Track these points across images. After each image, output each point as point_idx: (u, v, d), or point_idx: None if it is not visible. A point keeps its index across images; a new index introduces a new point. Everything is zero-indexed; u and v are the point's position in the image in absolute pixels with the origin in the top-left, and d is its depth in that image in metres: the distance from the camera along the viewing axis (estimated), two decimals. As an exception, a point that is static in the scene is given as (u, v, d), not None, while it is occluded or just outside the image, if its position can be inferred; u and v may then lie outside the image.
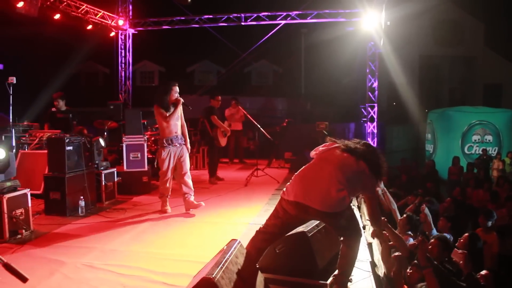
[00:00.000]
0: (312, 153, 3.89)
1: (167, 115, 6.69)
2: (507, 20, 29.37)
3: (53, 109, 9.28)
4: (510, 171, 14.94)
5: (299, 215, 3.61)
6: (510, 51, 28.66)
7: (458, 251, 4.53)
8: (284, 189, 3.72)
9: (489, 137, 16.44)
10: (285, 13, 14.55)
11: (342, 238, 3.64)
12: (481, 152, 15.60)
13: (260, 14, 14.68)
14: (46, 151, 7.15)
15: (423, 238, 4.18)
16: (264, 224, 3.84)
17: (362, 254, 4.69)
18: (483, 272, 4.25)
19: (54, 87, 17.65)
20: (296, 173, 3.77)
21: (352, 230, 3.62)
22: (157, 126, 10.96)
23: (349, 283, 3.70)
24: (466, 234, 5.29)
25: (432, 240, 4.67)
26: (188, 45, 24.85)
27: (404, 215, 6.16)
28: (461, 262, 4.39)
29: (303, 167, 3.78)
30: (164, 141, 6.76)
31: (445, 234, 5.37)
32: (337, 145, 3.77)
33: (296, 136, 14.19)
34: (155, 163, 8.19)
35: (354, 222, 3.68)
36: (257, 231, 3.85)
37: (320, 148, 3.83)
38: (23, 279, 2.32)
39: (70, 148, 6.79)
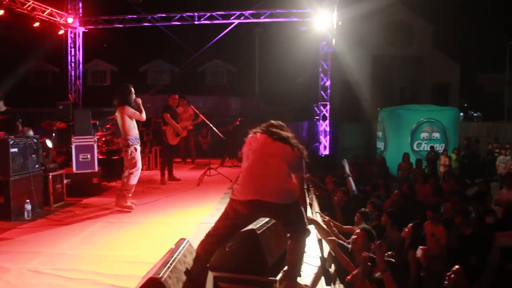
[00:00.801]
0: (245, 150, 3.97)
1: (138, 114, 7.15)
2: (454, 22, 30.57)
3: None
4: (456, 167, 15.55)
5: (251, 214, 3.67)
6: (457, 51, 29.85)
7: (419, 248, 4.66)
8: (233, 190, 3.75)
9: (436, 134, 17.02)
10: (238, 13, 14.58)
11: (289, 234, 3.71)
12: (429, 149, 16.13)
13: (214, 13, 14.65)
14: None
15: (380, 242, 4.28)
16: (214, 226, 3.84)
17: (312, 249, 4.77)
18: (455, 267, 4.39)
19: (0, 87, 17.00)
20: (242, 173, 3.81)
21: (300, 225, 3.69)
22: (108, 126, 10.84)
23: (298, 278, 3.75)
24: (410, 224, 5.53)
25: (358, 231, 4.78)
26: (141, 44, 24.50)
27: (358, 213, 6.31)
28: (419, 256, 4.54)
29: (247, 165, 3.84)
30: (134, 139, 7.08)
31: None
32: (266, 135, 3.88)
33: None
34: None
35: (301, 218, 3.74)
36: (206, 234, 3.83)
37: (252, 143, 3.92)
38: None
39: (15, 150, 6.55)
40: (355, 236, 4.65)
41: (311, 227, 5.49)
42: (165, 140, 9.62)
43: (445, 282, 4.39)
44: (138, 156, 7.13)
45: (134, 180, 7.18)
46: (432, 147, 16.12)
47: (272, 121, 4.08)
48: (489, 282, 4.85)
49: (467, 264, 4.46)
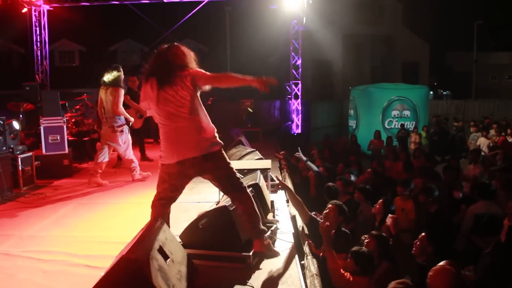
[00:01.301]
0: (145, 106, 3.95)
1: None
2: (424, 1, 30.84)
3: None
4: (426, 144, 15.87)
5: (183, 172, 3.75)
6: (426, 31, 30.20)
7: (389, 216, 4.79)
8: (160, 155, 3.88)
9: (407, 112, 17.28)
10: (208, -10, 14.36)
11: (232, 201, 3.85)
12: (399, 127, 16.39)
13: (183, -9, 14.40)
14: (-47, 136, 6.70)
15: (323, 223, 4.36)
16: (156, 192, 3.92)
17: (285, 225, 4.84)
18: (421, 235, 4.57)
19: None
20: (161, 139, 3.88)
21: (236, 187, 3.78)
22: (77, 107, 10.65)
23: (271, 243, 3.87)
24: (380, 200, 5.66)
25: (329, 205, 4.87)
26: (110, 23, 23.97)
27: (324, 188, 6.40)
28: (389, 224, 4.65)
29: (162, 130, 3.85)
30: (124, 119, 7.46)
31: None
32: (148, 83, 3.84)
33: (221, 114, 14.17)
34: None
35: (234, 181, 3.81)
36: (152, 201, 3.92)
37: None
38: None
39: (-20, 132, 6.40)
40: (327, 211, 4.73)
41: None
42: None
43: (413, 249, 4.57)
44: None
45: (131, 154, 7.70)
46: (402, 125, 16.38)
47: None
48: (463, 247, 5.08)
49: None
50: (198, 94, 3.85)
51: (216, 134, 3.84)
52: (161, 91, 3.74)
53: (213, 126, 3.86)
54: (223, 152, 3.86)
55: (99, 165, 7.41)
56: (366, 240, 4.47)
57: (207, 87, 3.84)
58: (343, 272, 3.98)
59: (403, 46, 29.72)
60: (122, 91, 7.32)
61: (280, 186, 5.50)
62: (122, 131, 7.41)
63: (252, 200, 3.82)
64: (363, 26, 28.29)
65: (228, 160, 3.85)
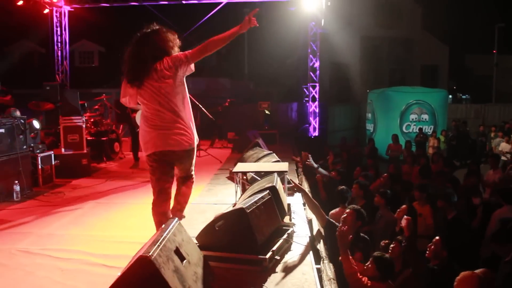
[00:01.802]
0: (125, 102, 3.99)
1: None
2: (444, 3, 30.47)
3: None
4: (445, 148, 15.69)
5: (168, 159, 3.94)
6: (445, 33, 29.83)
7: (404, 218, 4.75)
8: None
9: (425, 116, 17.11)
10: (227, -8, 14.41)
11: (185, 180, 4.27)
12: (418, 131, 16.23)
13: (202, -7, 14.46)
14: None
15: (341, 228, 4.34)
16: (156, 185, 4.08)
17: (302, 228, 4.81)
18: (435, 238, 4.52)
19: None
20: (143, 125, 3.94)
21: (191, 171, 4.27)
22: (96, 107, 10.77)
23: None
24: (404, 206, 5.58)
25: (348, 210, 4.84)
26: (128, 24, 24.17)
27: (337, 191, 6.38)
28: (403, 225, 4.61)
29: (144, 116, 3.91)
30: None
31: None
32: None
33: (239, 116, 14.23)
34: None
35: (192, 163, 4.22)
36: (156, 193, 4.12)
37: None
38: None
39: (2, 130, 6.50)
40: (345, 215, 4.70)
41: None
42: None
43: (427, 252, 4.52)
44: None
45: None
46: (421, 129, 16.22)
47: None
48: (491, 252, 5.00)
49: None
50: (185, 85, 3.97)
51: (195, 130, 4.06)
52: (140, 86, 3.80)
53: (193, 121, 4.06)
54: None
55: None
56: (391, 246, 4.44)
57: (193, 64, 3.89)
58: (361, 276, 3.95)
59: (422, 48, 29.40)
60: None
61: (296, 189, 5.48)
62: None
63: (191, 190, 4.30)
64: (381, 29, 28.07)
65: (194, 156, 4.19)
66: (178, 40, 4.02)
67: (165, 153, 3.88)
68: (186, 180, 4.29)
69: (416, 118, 17.11)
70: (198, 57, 3.88)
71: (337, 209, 6.27)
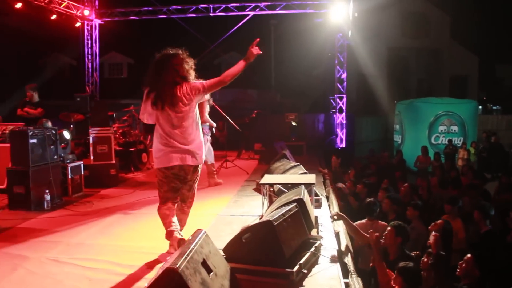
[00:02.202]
0: (142, 118, 4.41)
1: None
2: (472, 13, 30.01)
3: (26, 99, 9.21)
4: (475, 160, 15.35)
5: (175, 175, 4.35)
6: (475, 43, 29.32)
7: (432, 234, 4.66)
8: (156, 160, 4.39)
9: (454, 128, 16.82)
10: (254, 4, 14.52)
11: (185, 204, 4.61)
12: (447, 142, 15.94)
13: (229, 5, 14.60)
14: (9, 145, 6.97)
15: (376, 236, 4.30)
16: (163, 195, 4.46)
17: (330, 242, 4.75)
18: (466, 256, 4.41)
19: (18, 79, 17.21)
20: (156, 141, 4.35)
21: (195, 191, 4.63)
22: (125, 118, 10.92)
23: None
24: (441, 221, 5.44)
25: (388, 228, 4.79)
26: (157, 36, 24.51)
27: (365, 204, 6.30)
28: (431, 242, 4.52)
29: (158, 133, 4.32)
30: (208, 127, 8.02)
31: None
32: (149, 99, 4.26)
33: (265, 127, 14.22)
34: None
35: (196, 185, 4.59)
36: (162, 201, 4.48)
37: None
38: None
39: (34, 141, 6.64)
40: (386, 232, 4.68)
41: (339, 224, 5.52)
42: None
43: (457, 270, 4.40)
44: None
45: (212, 159, 8.25)
46: (450, 141, 15.93)
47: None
48: None
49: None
50: (196, 108, 4.37)
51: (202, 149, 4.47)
52: (161, 110, 4.21)
53: (202, 140, 4.46)
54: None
55: (212, 165, 8.25)
56: (423, 258, 4.36)
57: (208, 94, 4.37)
58: (394, 285, 3.88)
59: (451, 59, 28.97)
60: (206, 101, 7.68)
61: (336, 217, 5.43)
62: (206, 140, 7.89)
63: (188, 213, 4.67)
64: (408, 39, 27.81)
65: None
66: (193, 61, 4.39)
67: (173, 168, 4.31)
68: (186, 201, 4.64)
69: (445, 130, 16.83)
70: (214, 88, 4.40)
71: (363, 221, 6.19)
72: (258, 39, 4.44)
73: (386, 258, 4.61)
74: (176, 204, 4.56)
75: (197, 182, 4.64)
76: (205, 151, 7.18)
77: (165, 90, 4.17)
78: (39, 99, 9.29)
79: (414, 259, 4.56)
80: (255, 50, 4.38)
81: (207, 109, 7.84)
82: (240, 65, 4.33)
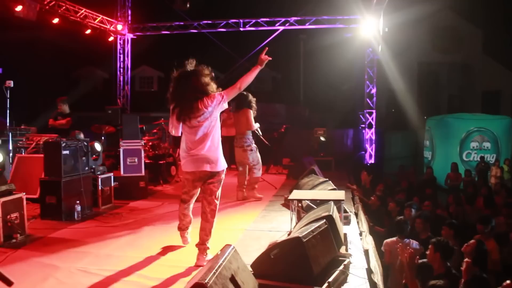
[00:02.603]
0: (170, 130, 4.90)
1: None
2: (505, 27, 29.42)
3: (58, 110, 9.51)
4: (508, 178, 14.93)
5: (195, 178, 4.83)
6: (508, 58, 28.69)
7: (464, 261, 4.57)
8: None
9: (487, 144, 16.42)
10: (283, 19, 14.60)
11: (207, 210, 4.82)
12: (479, 159, 15.58)
13: (259, 20, 14.72)
14: (42, 155, 7.13)
15: (411, 252, 4.24)
16: (182, 196, 5.07)
17: (359, 260, 4.68)
18: (506, 283, 4.27)
19: (53, 91, 17.63)
20: (182, 149, 4.86)
21: (218, 195, 4.90)
22: (155, 131, 11.04)
23: None
24: (473, 240, 5.29)
25: (430, 246, 4.72)
26: (187, 50, 24.85)
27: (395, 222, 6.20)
28: (462, 269, 4.42)
29: (183, 142, 4.82)
30: (252, 138, 8.17)
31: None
32: (174, 113, 4.74)
33: (294, 142, 14.17)
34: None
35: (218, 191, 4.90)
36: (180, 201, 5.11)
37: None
38: (9, 283, 2.29)
39: (67, 152, 6.77)
40: (429, 252, 4.65)
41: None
42: None
43: None
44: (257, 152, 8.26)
45: (259, 173, 8.29)
46: (482, 157, 15.54)
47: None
48: None
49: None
50: (218, 118, 4.79)
51: (225, 165, 4.94)
52: (185, 122, 4.67)
53: (223, 158, 4.90)
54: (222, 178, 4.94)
55: (255, 180, 8.28)
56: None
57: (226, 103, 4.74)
58: None
59: (483, 74, 28.38)
60: (251, 113, 7.98)
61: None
62: (251, 149, 8.10)
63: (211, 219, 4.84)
64: (439, 54, 27.41)
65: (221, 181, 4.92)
66: (213, 74, 4.79)
67: (194, 173, 4.79)
68: (208, 205, 4.85)
69: (477, 146, 16.44)
70: (232, 95, 4.80)
71: (393, 239, 6.08)
72: (267, 48, 4.87)
73: (430, 274, 4.55)
74: (189, 206, 5.15)
75: (218, 189, 4.89)
76: (253, 160, 7.94)
77: (187, 105, 4.60)
78: (69, 111, 9.54)
79: (459, 276, 4.46)
80: (265, 57, 4.76)
81: (252, 118, 8.02)
82: (252, 71, 4.73)
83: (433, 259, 4.72)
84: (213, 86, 4.72)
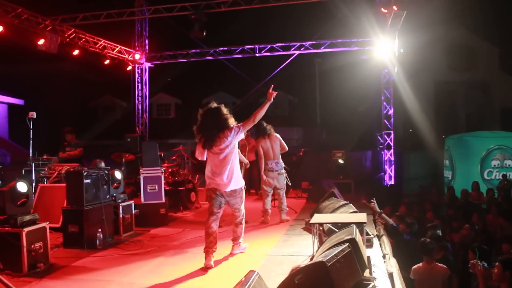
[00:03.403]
0: (197, 156, 5.87)
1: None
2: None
3: (65, 143, 9.72)
4: (532, 197, 14.64)
5: (219, 195, 5.82)
6: (526, 75, 28.42)
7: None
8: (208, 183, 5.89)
9: (508, 162, 16.15)
10: (298, 44, 14.74)
11: (236, 218, 6.14)
12: (501, 178, 15.32)
13: (274, 45, 14.88)
14: (64, 184, 7.22)
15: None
16: (209, 209, 5.91)
17: (383, 283, 4.61)
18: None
19: (73, 120, 17.97)
20: (207, 169, 5.87)
21: (242, 210, 6.13)
22: (174, 158, 11.11)
23: None
24: (498, 262, 5.15)
25: (497, 263, 4.70)
26: (204, 77, 25.17)
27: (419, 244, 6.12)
28: None
29: (208, 164, 5.85)
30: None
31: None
32: (201, 142, 5.76)
33: (312, 165, 14.13)
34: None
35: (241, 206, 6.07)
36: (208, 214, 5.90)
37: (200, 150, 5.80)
38: None
39: (88, 181, 6.85)
40: (496, 270, 4.72)
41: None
42: None
43: None
44: None
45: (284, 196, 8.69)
46: (504, 176, 15.27)
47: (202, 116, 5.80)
48: None
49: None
50: (236, 146, 5.84)
51: (243, 184, 6.06)
52: (209, 149, 5.68)
53: (241, 178, 6.04)
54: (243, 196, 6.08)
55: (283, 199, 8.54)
56: None
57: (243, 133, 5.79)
58: None
59: (501, 91, 28.07)
60: (278, 139, 8.41)
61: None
62: (285, 172, 8.45)
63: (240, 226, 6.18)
64: (456, 72, 27.25)
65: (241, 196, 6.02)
66: (229, 113, 5.81)
67: (217, 190, 5.80)
68: (236, 218, 6.14)
69: (498, 164, 16.17)
70: (247, 127, 5.84)
71: (420, 264, 5.98)
72: (273, 85, 5.90)
73: None
74: (217, 218, 5.94)
75: (240, 203, 6.03)
76: (279, 181, 8.42)
77: (211, 136, 5.63)
78: (77, 141, 9.70)
79: None
80: (272, 93, 5.79)
81: (276, 146, 8.37)
82: (263, 107, 5.71)
83: (501, 278, 4.62)
84: (231, 120, 5.73)
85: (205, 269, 5.53)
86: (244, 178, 12.01)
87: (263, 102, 5.71)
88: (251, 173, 12.19)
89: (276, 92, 5.82)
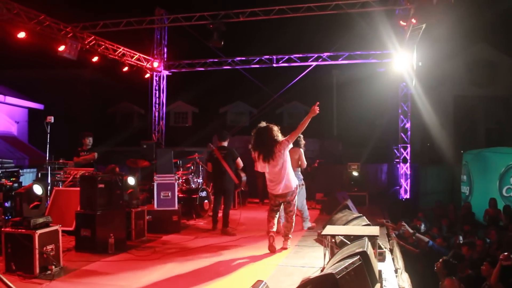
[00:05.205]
0: (259, 168, 6.98)
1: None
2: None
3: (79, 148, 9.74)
4: (552, 215, 14.32)
5: (276, 197, 6.96)
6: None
7: None
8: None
9: (528, 180, 15.85)
10: (316, 55, 14.73)
11: (288, 213, 7.16)
12: (521, 195, 15.04)
13: (292, 56, 14.90)
14: (79, 189, 7.28)
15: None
16: (270, 207, 7.07)
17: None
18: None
19: (91, 126, 18.15)
20: (267, 178, 6.99)
21: (295, 206, 7.15)
22: (189, 165, 11.15)
23: None
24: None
25: None
26: (221, 86, 25.21)
27: (440, 261, 5.99)
28: None
29: (267, 174, 6.93)
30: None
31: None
32: (260, 158, 6.88)
33: (327, 177, 14.04)
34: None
35: (294, 203, 7.08)
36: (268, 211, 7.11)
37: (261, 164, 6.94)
38: None
39: (102, 186, 6.89)
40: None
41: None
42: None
43: None
44: None
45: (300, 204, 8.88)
46: (524, 193, 15.01)
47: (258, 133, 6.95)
48: None
49: None
50: (288, 156, 6.86)
51: (296, 182, 7.11)
52: (266, 162, 6.77)
53: (295, 177, 7.12)
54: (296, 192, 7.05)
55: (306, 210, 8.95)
56: None
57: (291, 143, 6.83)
58: None
59: (522, 107, 27.71)
60: (302, 151, 8.58)
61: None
62: (302, 184, 8.71)
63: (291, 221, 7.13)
64: (476, 87, 26.93)
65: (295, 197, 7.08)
66: (278, 129, 6.89)
67: (276, 194, 6.93)
68: (288, 213, 7.15)
69: (518, 181, 15.88)
70: (294, 139, 6.90)
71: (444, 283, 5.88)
72: (318, 102, 6.81)
73: None
74: (276, 215, 7.09)
75: (293, 203, 7.03)
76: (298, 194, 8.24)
77: (267, 151, 6.73)
78: (91, 145, 9.75)
79: None
80: (316, 108, 6.71)
81: (303, 157, 8.57)
82: (307, 119, 6.71)
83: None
84: (279, 136, 6.77)
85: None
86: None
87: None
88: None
89: (319, 111, 6.74)
